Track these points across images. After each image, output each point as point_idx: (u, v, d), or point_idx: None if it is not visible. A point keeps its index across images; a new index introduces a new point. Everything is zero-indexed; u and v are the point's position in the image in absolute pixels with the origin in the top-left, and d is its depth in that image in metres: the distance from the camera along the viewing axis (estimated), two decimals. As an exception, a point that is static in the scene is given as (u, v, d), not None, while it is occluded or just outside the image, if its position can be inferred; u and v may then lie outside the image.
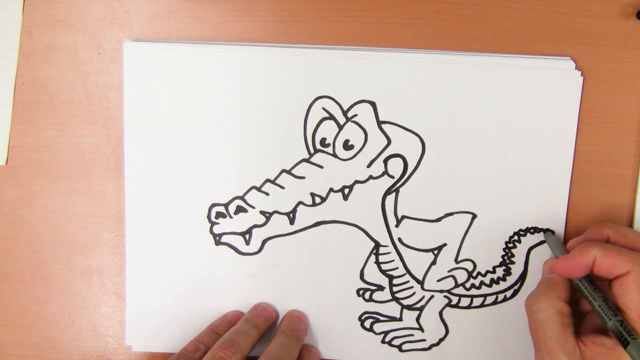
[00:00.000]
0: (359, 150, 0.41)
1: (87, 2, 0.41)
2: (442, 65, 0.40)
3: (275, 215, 0.41)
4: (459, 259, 0.41)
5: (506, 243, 0.41)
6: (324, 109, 0.40)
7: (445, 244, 0.41)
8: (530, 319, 0.37)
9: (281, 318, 0.42)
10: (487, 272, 0.41)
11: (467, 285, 0.42)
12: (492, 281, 0.42)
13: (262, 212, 0.41)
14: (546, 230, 0.41)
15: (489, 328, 0.42)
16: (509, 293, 0.42)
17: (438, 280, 0.42)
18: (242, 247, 0.41)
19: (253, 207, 0.41)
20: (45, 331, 0.43)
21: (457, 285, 0.42)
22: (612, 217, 0.42)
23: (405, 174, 0.41)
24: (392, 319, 0.42)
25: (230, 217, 0.41)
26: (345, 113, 0.40)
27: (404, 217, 0.41)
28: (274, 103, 0.40)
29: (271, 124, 0.40)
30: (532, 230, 0.41)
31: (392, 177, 0.41)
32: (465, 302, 0.42)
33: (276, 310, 0.42)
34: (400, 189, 0.41)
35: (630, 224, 0.41)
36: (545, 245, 0.41)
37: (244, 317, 0.41)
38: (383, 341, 0.42)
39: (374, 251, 0.41)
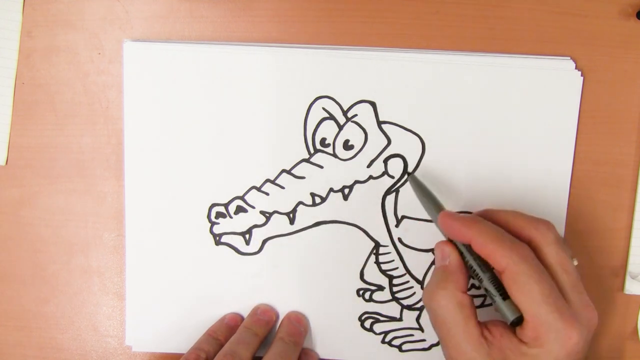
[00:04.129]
0: (359, 150, 0.41)
1: (87, 2, 0.41)
2: (442, 65, 0.40)
3: (275, 215, 0.41)
4: (459, 259, 0.41)
5: (506, 243, 0.41)
6: (324, 109, 0.40)
7: (445, 244, 0.41)
8: (430, 315, 0.34)
9: (280, 321, 0.42)
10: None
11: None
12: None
13: (262, 212, 0.41)
14: (409, 174, 0.39)
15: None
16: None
17: (438, 280, 0.42)
18: (242, 247, 0.41)
19: (253, 207, 0.41)
20: (45, 331, 0.43)
21: (457, 285, 0.42)
22: (612, 217, 0.42)
23: (406, 174, 0.41)
24: (392, 319, 0.42)
25: (230, 217, 0.41)
26: (345, 113, 0.40)
27: (404, 217, 0.41)
28: (274, 103, 0.40)
29: (271, 124, 0.40)
30: (532, 230, 0.41)
31: (392, 177, 0.41)
32: (465, 302, 0.42)
33: (276, 312, 0.42)
34: (400, 189, 0.41)
35: (630, 224, 0.41)
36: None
37: (243, 323, 0.40)
38: (383, 341, 0.42)
39: (374, 251, 0.41)
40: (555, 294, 0.31)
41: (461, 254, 0.35)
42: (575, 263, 0.34)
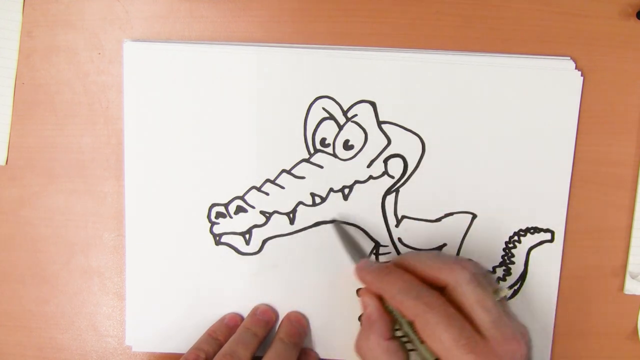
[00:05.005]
0: (359, 150, 0.41)
1: (87, 2, 0.41)
2: (442, 65, 0.40)
3: (275, 215, 0.41)
4: (459, 259, 0.41)
5: (506, 243, 0.41)
6: (324, 109, 0.40)
7: (445, 244, 0.41)
8: None
9: (280, 321, 0.42)
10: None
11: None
12: (492, 281, 0.41)
13: (262, 212, 0.41)
14: (334, 221, 0.40)
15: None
16: (508, 293, 0.42)
17: (438, 280, 0.42)
18: (242, 247, 0.41)
19: (253, 207, 0.41)
20: (45, 331, 0.43)
21: (457, 285, 0.42)
22: (612, 217, 0.42)
23: (405, 174, 0.41)
24: (392, 319, 0.42)
25: (230, 217, 0.41)
26: (345, 113, 0.40)
27: (404, 217, 0.41)
28: (274, 103, 0.40)
29: (271, 124, 0.40)
30: (532, 230, 0.41)
31: (392, 177, 0.41)
32: (465, 302, 0.42)
33: (276, 312, 0.42)
34: (400, 189, 0.41)
35: (630, 224, 0.41)
36: (545, 245, 0.41)
37: (243, 324, 0.40)
38: (383, 341, 0.42)
39: (374, 251, 0.41)
40: (467, 335, 0.31)
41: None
42: (503, 294, 0.34)
